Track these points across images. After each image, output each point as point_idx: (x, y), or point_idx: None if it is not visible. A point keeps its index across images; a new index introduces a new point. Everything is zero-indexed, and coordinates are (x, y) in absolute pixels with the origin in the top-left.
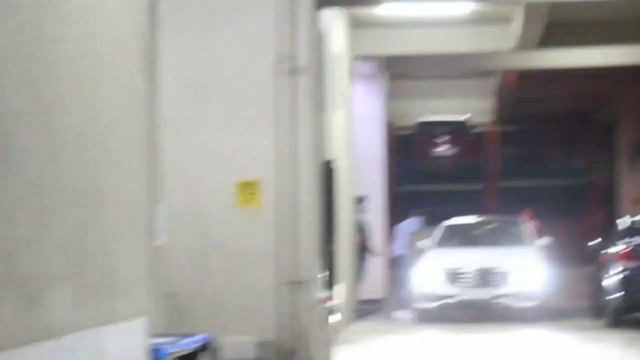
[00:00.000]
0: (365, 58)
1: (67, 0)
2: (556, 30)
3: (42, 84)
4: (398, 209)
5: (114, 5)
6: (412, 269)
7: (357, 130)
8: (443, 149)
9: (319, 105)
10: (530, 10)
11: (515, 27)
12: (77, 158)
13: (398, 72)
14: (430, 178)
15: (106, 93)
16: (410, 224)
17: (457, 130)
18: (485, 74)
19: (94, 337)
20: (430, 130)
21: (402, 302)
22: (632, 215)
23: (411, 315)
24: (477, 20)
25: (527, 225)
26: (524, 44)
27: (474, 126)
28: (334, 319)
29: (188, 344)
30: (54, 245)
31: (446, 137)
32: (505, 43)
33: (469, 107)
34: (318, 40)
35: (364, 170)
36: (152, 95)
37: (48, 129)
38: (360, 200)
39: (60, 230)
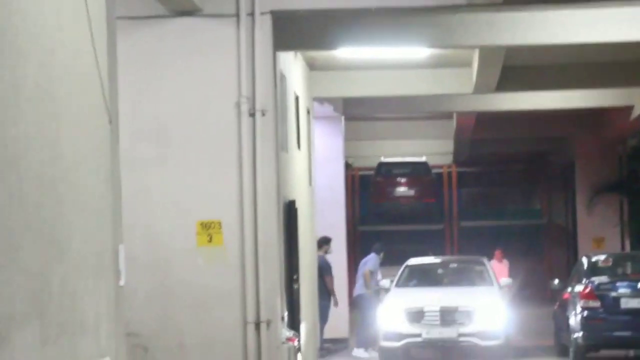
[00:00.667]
0: (323, 100)
1: (27, 42)
2: (513, 74)
3: (3, 125)
4: (359, 249)
5: (75, 45)
6: (373, 308)
7: (317, 171)
8: (403, 189)
9: (280, 146)
10: (486, 54)
11: (473, 70)
12: (41, 198)
13: (356, 113)
14: (391, 218)
15: (68, 133)
16: (368, 261)
17: (416, 171)
18: (444, 116)
19: None
20: (390, 171)
21: (364, 342)
22: (592, 255)
23: (372, 354)
24: (435, 63)
25: (497, 265)
26: (481, 87)
27: (433, 167)
28: (297, 358)
29: None
30: (19, 285)
31: (406, 178)
32: (463, 86)
33: (428, 148)
34: (278, 81)
35: (324, 211)
36: (113, 135)
37: (10, 170)
38: (327, 241)
39: (25, 270)
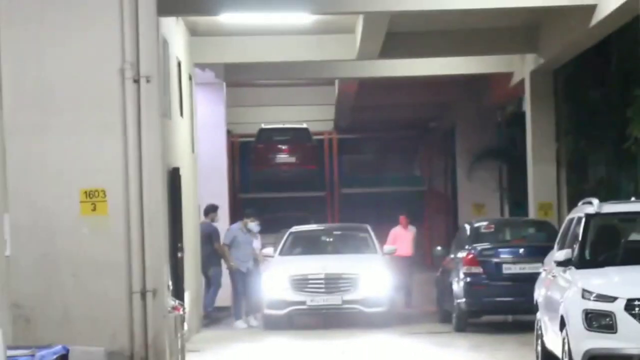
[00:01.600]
0: (205, 66)
1: None
2: (396, 41)
3: None
4: (240, 217)
5: None
6: (258, 276)
7: (199, 138)
8: (284, 156)
9: (164, 113)
10: (369, 20)
11: (356, 37)
12: None
13: (238, 79)
14: (272, 186)
15: None
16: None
17: (297, 138)
18: (326, 82)
19: None
20: (270, 138)
21: (239, 313)
22: (474, 222)
23: (255, 322)
24: (318, 29)
25: (402, 232)
26: (365, 54)
27: (314, 134)
28: (184, 327)
29: (46, 356)
30: None
31: (287, 145)
32: (346, 53)
33: (309, 115)
34: (161, 47)
35: (206, 178)
36: None
37: None
38: (214, 208)
39: None
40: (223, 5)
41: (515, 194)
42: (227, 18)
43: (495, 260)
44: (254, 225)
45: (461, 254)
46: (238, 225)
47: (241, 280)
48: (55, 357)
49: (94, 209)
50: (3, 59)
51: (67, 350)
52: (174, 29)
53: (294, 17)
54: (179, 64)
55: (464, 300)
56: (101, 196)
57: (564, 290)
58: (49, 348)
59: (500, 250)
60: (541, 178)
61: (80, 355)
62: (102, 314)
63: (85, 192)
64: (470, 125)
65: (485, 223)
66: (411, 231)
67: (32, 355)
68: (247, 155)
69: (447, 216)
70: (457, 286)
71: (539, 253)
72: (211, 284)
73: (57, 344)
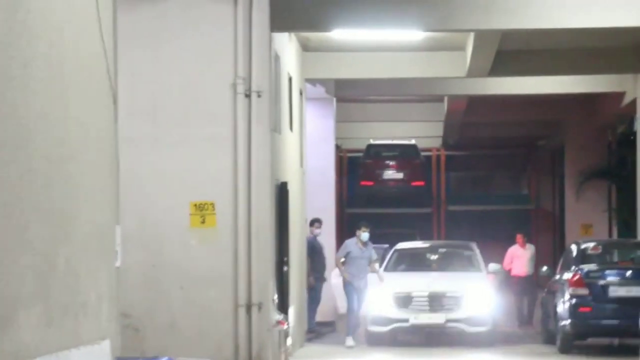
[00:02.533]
0: (316, 81)
1: (37, 20)
2: (506, 59)
3: (12, 106)
4: (346, 232)
5: (82, 24)
6: (365, 292)
7: (307, 152)
8: (392, 172)
9: (274, 127)
10: (480, 38)
11: (467, 54)
12: (47, 179)
13: (348, 95)
14: (379, 201)
15: (75, 114)
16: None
17: (405, 154)
18: (434, 99)
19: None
20: (379, 153)
21: (354, 326)
22: (582, 242)
23: (351, 343)
24: (428, 46)
25: (519, 251)
26: (475, 71)
27: (422, 150)
28: (287, 341)
29: None
30: (24, 266)
31: (395, 161)
32: (456, 70)
33: (417, 131)
34: (272, 62)
35: (314, 192)
36: (115, 116)
37: (20, 150)
38: (316, 222)
39: (30, 251)
40: (335, 22)
41: (624, 214)
42: (339, 34)
43: (602, 282)
44: (364, 235)
45: (567, 275)
46: (353, 239)
47: (353, 295)
48: None
49: (203, 222)
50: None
51: None
52: (286, 44)
53: (404, 34)
54: (290, 79)
55: (569, 321)
56: (210, 209)
57: None
58: (156, 359)
59: (607, 272)
60: None
61: None
62: (208, 326)
63: (195, 205)
64: (580, 144)
65: (592, 244)
66: (529, 250)
67: None
68: (355, 170)
69: (554, 236)
70: (563, 307)
71: None
72: (311, 298)
73: (163, 354)
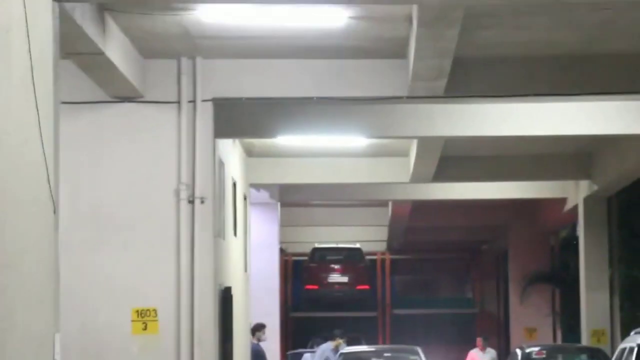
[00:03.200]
0: (260, 186)
1: None
2: (449, 164)
3: None
4: (291, 336)
5: (22, 133)
6: None
7: (252, 257)
8: (337, 275)
9: (218, 233)
10: (424, 144)
11: (410, 160)
12: None
13: (292, 199)
14: (324, 305)
15: (14, 221)
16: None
17: (350, 257)
18: (379, 203)
19: None
20: (323, 257)
21: None
22: (526, 347)
23: None
24: (372, 152)
25: (479, 355)
26: (418, 177)
27: (367, 254)
28: None
29: None
30: None
31: (340, 264)
32: (400, 175)
33: (362, 235)
34: (216, 168)
35: (258, 297)
36: (55, 224)
37: None
38: (261, 327)
39: None
40: (280, 129)
41: (568, 318)
42: (283, 140)
43: None
44: (343, 345)
45: None
46: (329, 345)
47: None
48: None
49: (145, 328)
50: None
51: None
52: (231, 149)
53: (348, 140)
54: (235, 184)
55: None
56: (152, 315)
57: None
58: None
59: None
60: (594, 304)
61: None
62: None
63: (137, 311)
64: (523, 248)
65: (537, 349)
66: (488, 354)
67: None
68: (299, 273)
69: (499, 339)
70: None
71: None
72: None
73: None
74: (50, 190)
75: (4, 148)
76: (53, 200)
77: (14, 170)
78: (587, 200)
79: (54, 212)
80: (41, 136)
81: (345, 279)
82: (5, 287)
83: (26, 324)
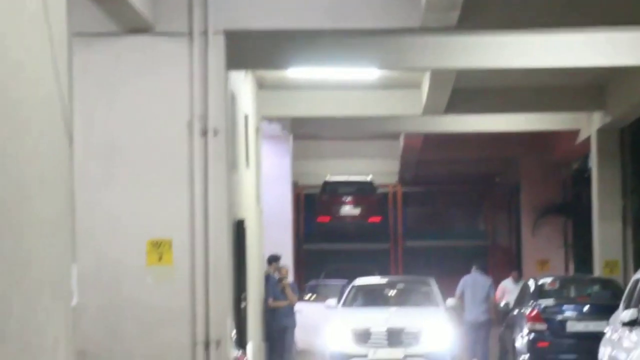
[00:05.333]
0: (272, 119)
1: None
2: (461, 97)
3: None
4: (303, 268)
5: (37, 66)
6: (323, 328)
7: (264, 190)
8: (348, 208)
9: (230, 165)
10: (437, 76)
11: (422, 92)
12: (2, 222)
13: (304, 132)
14: (336, 237)
15: (30, 156)
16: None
17: (362, 190)
18: (391, 136)
19: None
20: (335, 190)
21: None
22: (539, 278)
23: None
24: (384, 84)
25: (512, 287)
26: (430, 109)
27: (379, 186)
28: None
29: None
30: None
31: (352, 197)
32: (412, 108)
33: (374, 167)
34: (229, 100)
35: (271, 229)
36: (70, 156)
37: None
38: (274, 258)
39: None
40: (291, 60)
41: (580, 250)
42: (295, 72)
43: (560, 317)
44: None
45: (525, 310)
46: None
47: None
48: None
49: (160, 259)
50: (74, 112)
51: None
52: (242, 82)
53: (360, 72)
54: (246, 117)
55: (527, 356)
56: (167, 247)
57: (629, 350)
58: None
59: (564, 307)
60: (607, 235)
61: None
62: None
63: (152, 243)
64: (535, 180)
65: (549, 280)
66: (519, 286)
67: None
68: (311, 206)
69: (511, 271)
70: (521, 342)
71: (604, 311)
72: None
73: None
74: (65, 122)
75: (19, 81)
76: (69, 132)
77: (30, 104)
78: (600, 131)
79: (70, 143)
80: (56, 68)
81: (357, 212)
82: (22, 220)
83: (42, 256)
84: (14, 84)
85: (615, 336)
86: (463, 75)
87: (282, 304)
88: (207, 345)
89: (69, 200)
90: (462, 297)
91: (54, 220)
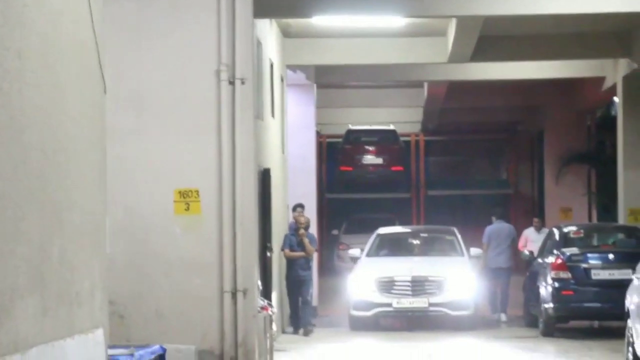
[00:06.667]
0: (296, 67)
1: (32, 11)
2: (487, 44)
3: (7, 97)
4: (326, 217)
5: (74, 15)
6: (347, 277)
7: (289, 138)
8: (371, 157)
9: (257, 114)
10: (462, 24)
11: (448, 40)
12: (41, 171)
13: (328, 81)
14: (358, 186)
15: (69, 103)
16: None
17: (385, 139)
18: (414, 84)
19: (58, 349)
20: (358, 139)
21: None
22: (563, 226)
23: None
24: (410, 32)
25: (535, 235)
26: (456, 57)
27: (401, 135)
28: (272, 327)
29: (145, 355)
30: (20, 257)
31: (374, 146)
32: (437, 55)
33: (396, 116)
34: (255, 49)
35: (295, 178)
36: (104, 106)
37: (15, 141)
38: (300, 206)
39: (26, 242)
40: (317, 8)
41: (603, 198)
42: (320, 20)
43: (584, 265)
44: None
45: (550, 259)
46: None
47: None
48: (153, 357)
49: (188, 209)
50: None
51: (164, 350)
52: (268, 30)
53: (386, 20)
54: (272, 66)
55: (551, 305)
56: (195, 196)
57: None
58: (147, 347)
59: (589, 255)
60: (632, 183)
61: (172, 353)
62: (194, 313)
63: (179, 192)
64: (559, 128)
65: (574, 228)
66: (543, 234)
67: (132, 355)
68: (334, 155)
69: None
70: (545, 291)
71: (628, 259)
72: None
73: (148, 341)
74: (101, 72)
75: (58, 27)
76: (103, 82)
77: (68, 51)
78: (626, 78)
79: (104, 93)
80: (92, 17)
81: (379, 161)
82: (62, 169)
83: (82, 204)
84: (53, 34)
85: None
86: (489, 22)
87: (297, 254)
88: (234, 294)
89: (103, 150)
90: (487, 247)
91: (91, 169)
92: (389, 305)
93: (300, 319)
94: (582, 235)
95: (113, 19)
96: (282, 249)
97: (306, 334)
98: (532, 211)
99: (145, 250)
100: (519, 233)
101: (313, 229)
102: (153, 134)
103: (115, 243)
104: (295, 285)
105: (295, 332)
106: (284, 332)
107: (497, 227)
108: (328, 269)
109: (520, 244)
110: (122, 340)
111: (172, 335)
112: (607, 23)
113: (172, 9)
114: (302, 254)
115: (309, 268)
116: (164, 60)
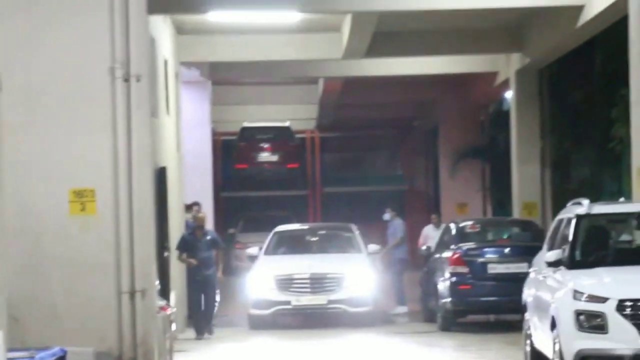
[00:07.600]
0: (191, 64)
1: None
2: (382, 40)
3: None
4: (222, 216)
5: None
6: (245, 276)
7: (184, 136)
8: (266, 154)
9: (152, 112)
10: (357, 20)
11: (343, 36)
12: None
13: (223, 78)
14: (254, 184)
15: None
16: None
17: (280, 136)
18: (309, 80)
19: None
20: (253, 136)
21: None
22: (459, 221)
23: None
24: (304, 28)
25: (434, 232)
26: (351, 53)
27: (297, 132)
28: (171, 327)
29: (45, 358)
30: None
31: (269, 143)
32: (332, 51)
33: (292, 113)
34: (149, 46)
35: (191, 177)
36: None
37: None
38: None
39: None
40: (211, 3)
41: (498, 193)
42: (214, 16)
43: (481, 259)
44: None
45: (447, 254)
46: None
47: None
48: (53, 358)
49: (83, 209)
50: None
51: (65, 352)
52: (162, 27)
53: (280, 16)
54: (166, 63)
55: (449, 299)
56: (90, 196)
57: (554, 290)
58: (47, 350)
59: (485, 249)
60: (525, 177)
61: (69, 356)
62: (91, 314)
63: (74, 192)
64: (453, 123)
65: (470, 223)
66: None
67: (32, 357)
68: (229, 153)
69: (429, 215)
70: (443, 286)
71: (524, 253)
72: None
73: (45, 344)
74: None
75: None
76: None
77: None
78: (518, 73)
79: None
80: None
81: (274, 158)
82: None
83: None
84: None
85: (539, 277)
86: (384, 17)
87: (191, 262)
88: (132, 295)
89: None
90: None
91: None
92: (288, 303)
93: (201, 319)
94: (478, 229)
95: (2, 14)
96: (177, 249)
97: (210, 332)
98: (428, 207)
99: (40, 251)
100: (414, 227)
101: (210, 227)
102: (46, 130)
103: (8, 243)
104: (199, 285)
105: (200, 337)
106: (183, 332)
107: (392, 224)
108: (226, 268)
109: (420, 241)
110: (18, 344)
111: (69, 337)
112: (500, 18)
113: (65, 4)
114: (195, 261)
115: (213, 266)
116: (57, 56)
